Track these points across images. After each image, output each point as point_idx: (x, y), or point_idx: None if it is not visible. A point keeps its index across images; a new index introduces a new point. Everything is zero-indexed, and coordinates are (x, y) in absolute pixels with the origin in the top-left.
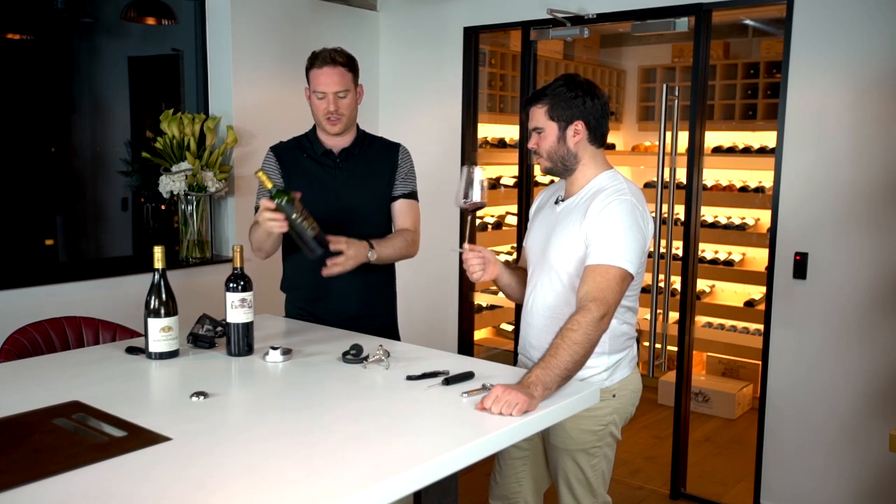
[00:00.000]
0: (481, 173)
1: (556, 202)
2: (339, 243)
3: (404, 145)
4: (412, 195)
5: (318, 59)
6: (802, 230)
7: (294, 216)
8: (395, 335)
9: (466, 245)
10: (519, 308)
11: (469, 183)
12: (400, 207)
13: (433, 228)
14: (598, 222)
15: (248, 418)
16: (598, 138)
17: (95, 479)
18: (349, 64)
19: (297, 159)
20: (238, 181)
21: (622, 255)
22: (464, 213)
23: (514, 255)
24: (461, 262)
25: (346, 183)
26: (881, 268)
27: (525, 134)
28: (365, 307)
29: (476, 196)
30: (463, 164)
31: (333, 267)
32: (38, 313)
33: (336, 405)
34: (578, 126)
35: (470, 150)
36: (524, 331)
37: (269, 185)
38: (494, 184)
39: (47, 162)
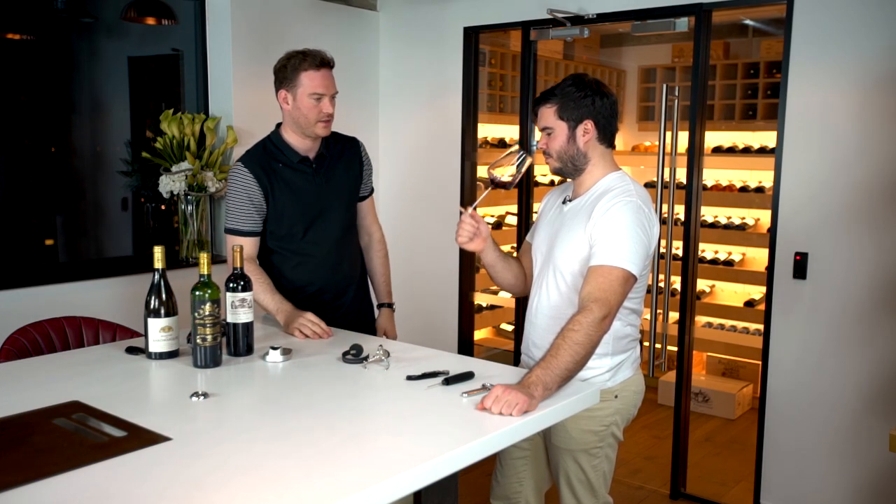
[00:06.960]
0: (529, 164)
1: (564, 202)
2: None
3: (358, 138)
4: (372, 191)
5: (313, 60)
6: (802, 230)
7: (196, 313)
8: (369, 306)
9: (471, 209)
10: (520, 308)
11: (519, 169)
12: (366, 207)
13: (433, 228)
14: (602, 223)
15: (248, 418)
16: (608, 137)
17: (95, 479)
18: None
19: (275, 169)
20: None
21: (626, 257)
22: (489, 184)
23: (514, 255)
24: (460, 265)
25: (323, 188)
26: (881, 268)
27: (525, 135)
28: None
29: (515, 181)
30: (520, 145)
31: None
32: (38, 313)
33: (336, 405)
34: (588, 125)
35: (470, 150)
36: (528, 330)
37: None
38: None
39: (47, 162)
